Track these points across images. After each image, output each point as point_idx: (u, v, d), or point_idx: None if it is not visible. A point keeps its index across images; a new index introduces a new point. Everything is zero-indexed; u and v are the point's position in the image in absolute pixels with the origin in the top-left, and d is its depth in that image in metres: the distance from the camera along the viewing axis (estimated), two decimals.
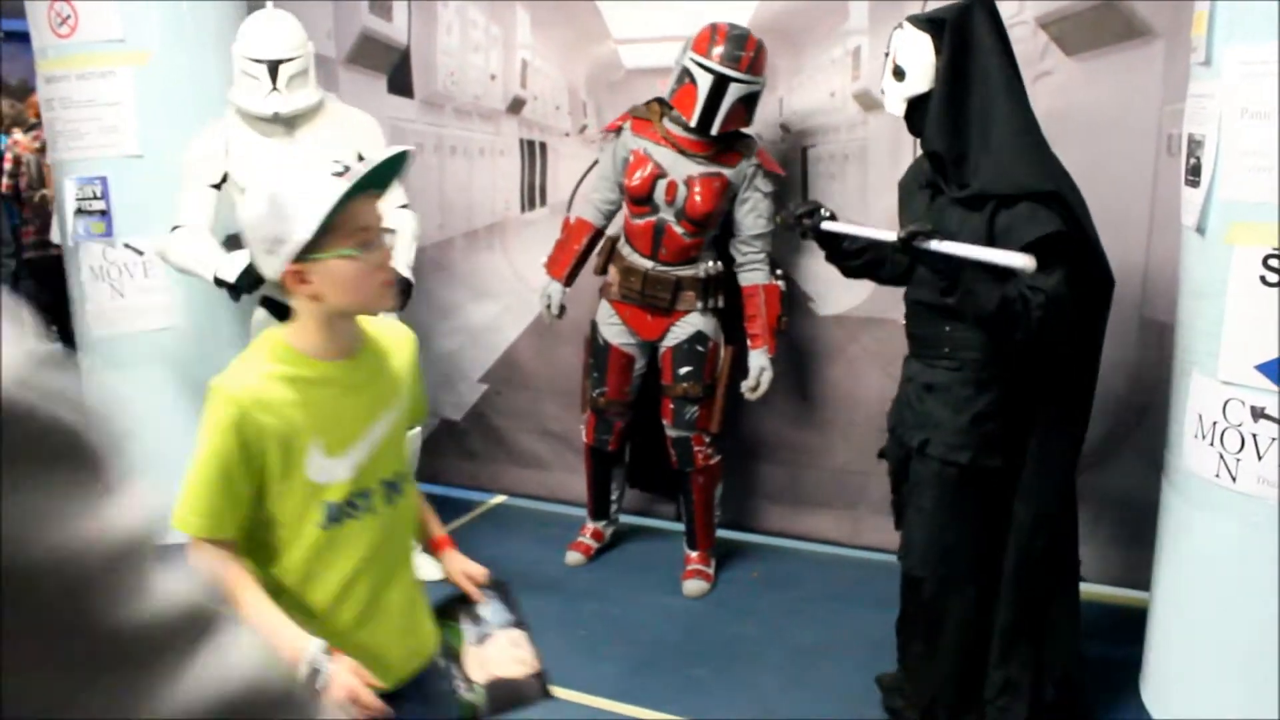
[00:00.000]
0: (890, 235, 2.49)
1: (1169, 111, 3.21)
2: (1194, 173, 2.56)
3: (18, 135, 7.55)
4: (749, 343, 3.64)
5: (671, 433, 3.75)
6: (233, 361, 1.79)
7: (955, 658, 2.76)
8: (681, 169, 3.55)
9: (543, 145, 4.36)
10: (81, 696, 0.46)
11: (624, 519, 4.31)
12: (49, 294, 5.47)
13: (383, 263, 1.68)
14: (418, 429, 3.86)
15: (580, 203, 3.96)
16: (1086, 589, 3.44)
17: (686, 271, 3.65)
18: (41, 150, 7.09)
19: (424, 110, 4.53)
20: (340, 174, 1.62)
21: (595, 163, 3.90)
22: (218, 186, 3.50)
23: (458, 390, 4.70)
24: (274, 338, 1.75)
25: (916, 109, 2.63)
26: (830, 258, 2.78)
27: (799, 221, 2.66)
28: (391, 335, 1.90)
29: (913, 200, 2.74)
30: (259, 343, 1.78)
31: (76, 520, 0.46)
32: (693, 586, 3.83)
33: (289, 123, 3.50)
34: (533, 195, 4.42)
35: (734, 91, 3.42)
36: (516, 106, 4.38)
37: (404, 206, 3.61)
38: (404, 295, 3.46)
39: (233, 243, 3.41)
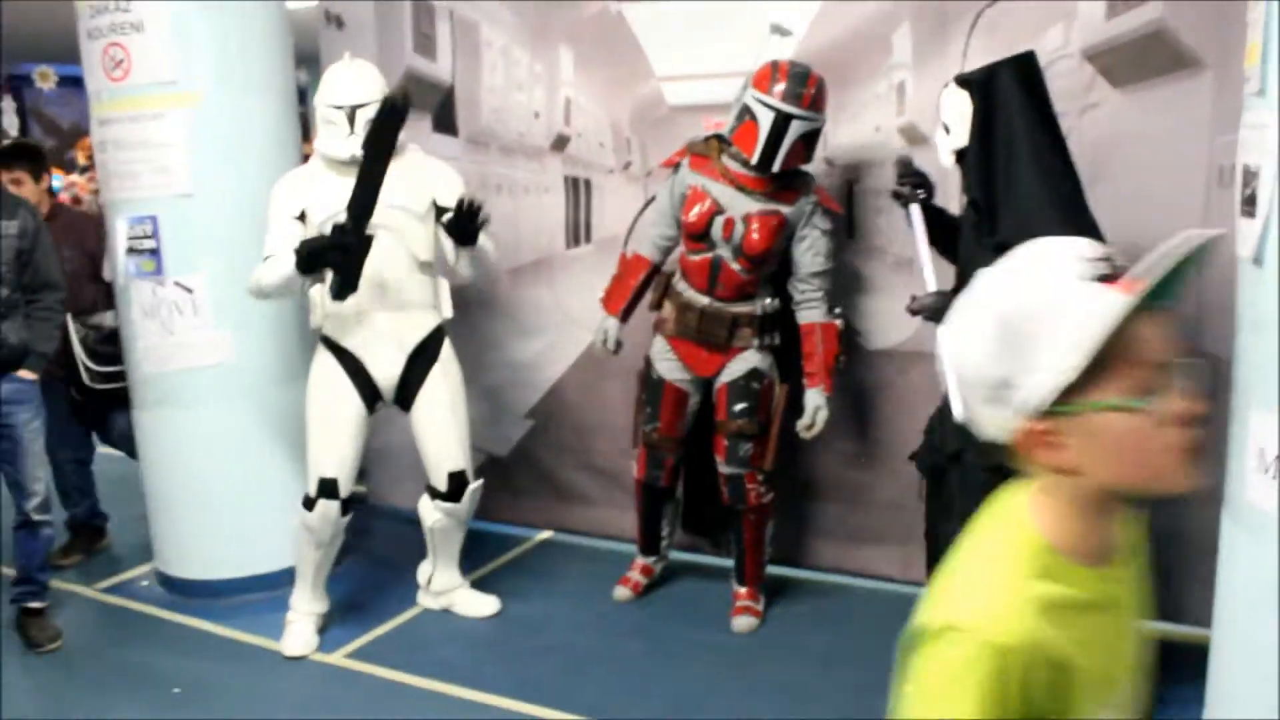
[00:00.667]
0: (931, 280, 2.90)
1: (1219, 143, 3.18)
2: (1249, 203, 2.53)
3: (74, 177, 7.86)
4: (805, 381, 3.62)
5: (725, 470, 3.72)
6: (961, 559, 1.19)
7: None
8: (739, 206, 3.54)
9: (587, 182, 4.38)
10: None
11: (673, 556, 4.30)
12: None
13: (1181, 416, 1.11)
14: (478, 483, 3.85)
15: (638, 238, 3.97)
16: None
17: (743, 308, 3.64)
18: (97, 192, 7.33)
19: (469, 148, 4.57)
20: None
21: (653, 198, 3.90)
22: (301, 219, 3.58)
23: (503, 426, 4.71)
24: (1024, 528, 1.16)
25: (962, 159, 2.89)
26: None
27: (903, 186, 2.97)
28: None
29: (968, 238, 2.88)
30: (999, 533, 1.19)
31: None
32: (743, 623, 3.80)
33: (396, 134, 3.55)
34: (578, 232, 4.44)
35: (795, 129, 3.42)
36: (561, 144, 4.41)
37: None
38: (470, 221, 3.51)
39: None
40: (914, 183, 2.96)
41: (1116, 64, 3.35)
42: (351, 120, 3.55)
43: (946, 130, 2.87)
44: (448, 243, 3.64)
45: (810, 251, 3.58)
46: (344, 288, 3.43)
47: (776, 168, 3.46)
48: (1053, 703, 1.08)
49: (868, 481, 3.97)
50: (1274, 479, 2.47)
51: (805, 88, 3.41)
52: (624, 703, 3.38)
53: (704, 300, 3.65)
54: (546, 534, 4.79)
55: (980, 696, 1.05)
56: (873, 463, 3.95)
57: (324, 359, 3.69)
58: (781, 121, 3.41)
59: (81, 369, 4.38)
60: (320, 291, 3.63)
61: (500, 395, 4.70)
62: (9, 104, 13.07)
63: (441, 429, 3.77)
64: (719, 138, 3.60)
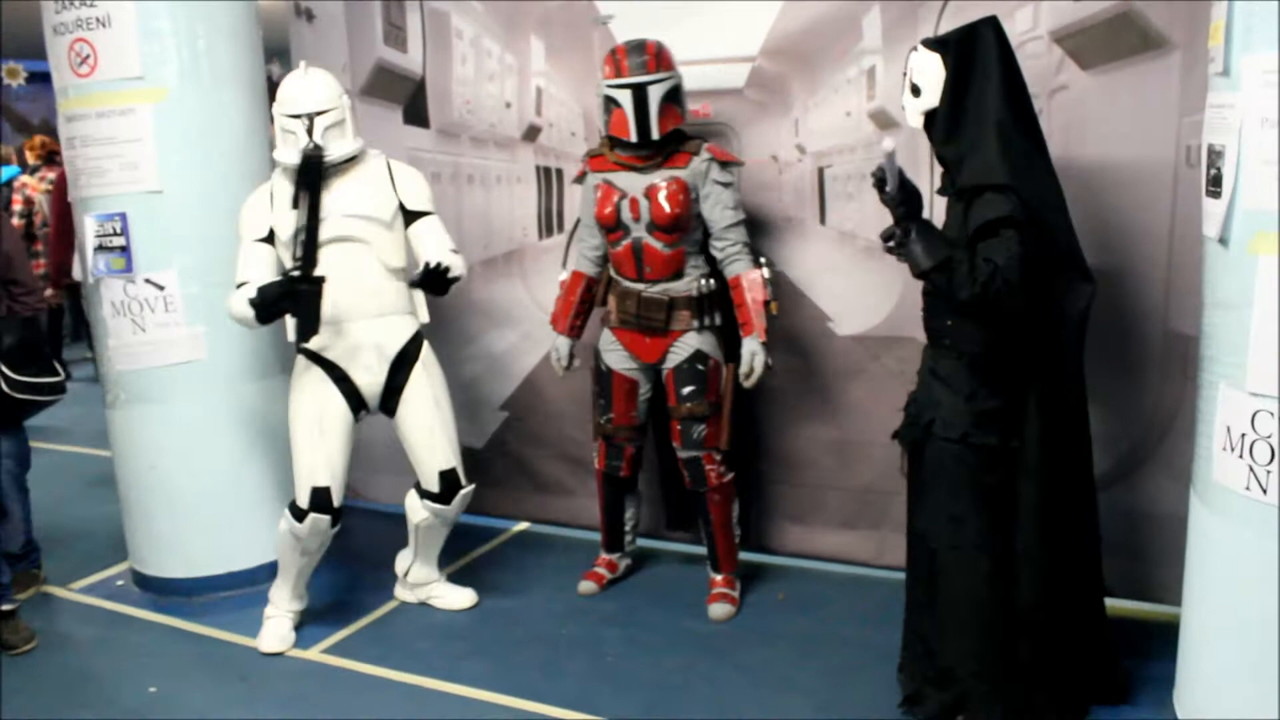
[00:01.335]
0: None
1: (1187, 123, 3.19)
2: (1215, 183, 2.54)
3: (25, 178, 7.96)
4: (740, 331, 3.65)
5: (682, 454, 3.76)
6: None
7: (972, 630, 2.92)
8: (638, 185, 3.63)
9: (559, 172, 4.37)
10: None
11: (648, 544, 4.31)
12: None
13: None
14: (470, 487, 3.84)
15: (573, 254, 4.00)
16: (1116, 604, 3.42)
17: (679, 291, 3.68)
18: (50, 191, 7.39)
19: (440, 140, 4.55)
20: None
21: (579, 220, 3.96)
22: (269, 241, 3.59)
23: (479, 418, 4.70)
24: None
25: (931, 121, 2.90)
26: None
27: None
28: None
29: (948, 206, 2.96)
30: None
31: None
32: (719, 610, 3.81)
33: (325, 174, 3.55)
34: (550, 222, 4.43)
35: (655, 93, 3.53)
36: (532, 134, 4.40)
37: (455, 251, 3.69)
38: (440, 281, 3.50)
39: None
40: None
41: (1085, 46, 3.35)
42: (310, 129, 3.52)
43: (916, 93, 2.89)
44: (419, 250, 3.66)
45: (718, 206, 3.62)
46: (305, 331, 3.46)
47: (656, 135, 3.55)
48: None
49: (841, 467, 3.98)
50: (1240, 457, 2.48)
51: (645, 55, 3.56)
52: (603, 693, 3.38)
53: (639, 286, 3.70)
54: (523, 525, 4.79)
55: None
56: (844, 449, 3.96)
57: (308, 369, 3.66)
58: (639, 93, 3.52)
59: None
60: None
61: (475, 388, 4.69)
62: None
63: (428, 427, 3.75)
64: (609, 137, 3.68)
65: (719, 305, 3.73)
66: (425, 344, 3.80)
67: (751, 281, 3.62)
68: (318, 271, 3.47)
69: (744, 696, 3.32)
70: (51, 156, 7.90)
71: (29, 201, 7.95)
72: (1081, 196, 3.04)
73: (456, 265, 3.61)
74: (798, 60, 3.84)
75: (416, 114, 4.58)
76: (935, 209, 3.12)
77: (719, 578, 3.89)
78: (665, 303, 3.67)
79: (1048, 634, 2.93)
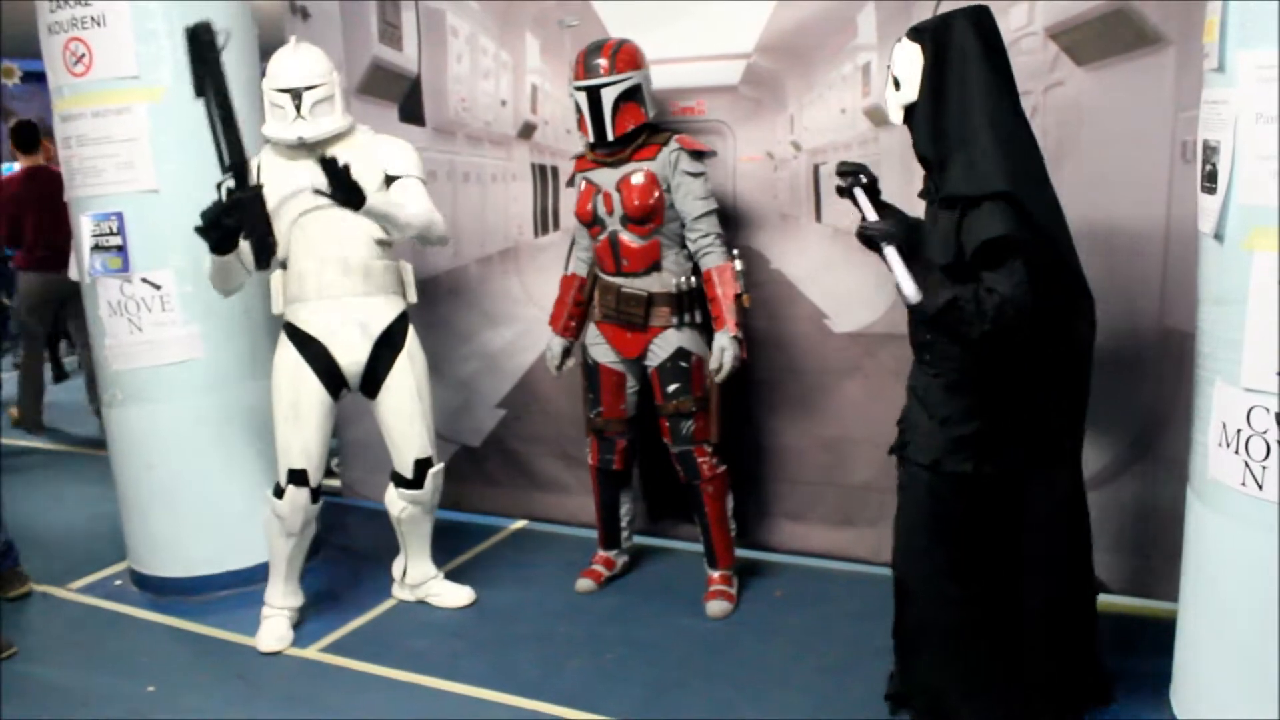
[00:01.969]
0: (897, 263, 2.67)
1: (1183, 119, 3.20)
2: (1210, 179, 2.54)
3: None
4: (713, 324, 3.65)
5: (674, 449, 3.78)
6: None
7: (951, 655, 2.82)
8: (609, 179, 3.68)
9: (554, 169, 4.37)
10: None
11: (645, 541, 4.31)
12: None
13: None
14: (440, 465, 3.86)
15: (571, 257, 4.01)
16: (1113, 600, 3.43)
17: (657, 287, 3.69)
18: None
19: (436, 138, 4.55)
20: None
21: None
22: None
23: (475, 416, 4.70)
24: None
25: (911, 116, 2.73)
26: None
27: (843, 177, 2.80)
28: None
29: (927, 211, 2.80)
30: None
31: None
32: (716, 607, 3.82)
33: (313, 149, 3.56)
34: (545, 220, 4.43)
35: (608, 95, 3.57)
36: (528, 132, 4.40)
37: (432, 212, 3.65)
38: (337, 176, 3.28)
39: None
40: (849, 170, 2.81)
41: (1080, 41, 3.36)
42: (298, 104, 3.54)
43: (897, 86, 2.72)
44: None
45: (689, 197, 3.64)
46: (260, 251, 3.35)
47: (611, 136, 3.61)
48: None
49: (838, 464, 3.98)
50: (1236, 453, 2.49)
51: (600, 58, 3.60)
52: (601, 690, 3.38)
53: (619, 281, 3.73)
54: (520, 523, 4.79)
55: None
56: (842, 446, 3.96)
57: (285, 350, 3.67)
58: (594, 96, 3.58)
59: None
60: (280, 276, 3.65)
61: (471, 385, 4.69)
62: None
63: (408, 417, 3.77)
64: None
65: (700, 302, 3.73)
66: (411, 329, 3.79)
67: (723, 274, 3.62)
68: (300, 233, 3.44)
69: (742, 693, 3.32)
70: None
71: None
72: (1076, 193, 3.04)
73: (426, 216, 3.60)
74: (792, 57, 3.84)
75: (412, 112, 4.58)
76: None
77: (716, 575, 3.90)
78: (644, 298, 3.69)
79: (1033, 656, 2.83)
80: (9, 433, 6.31)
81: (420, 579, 4.02)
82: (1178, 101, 3.21)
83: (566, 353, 4.00)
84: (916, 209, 2.92)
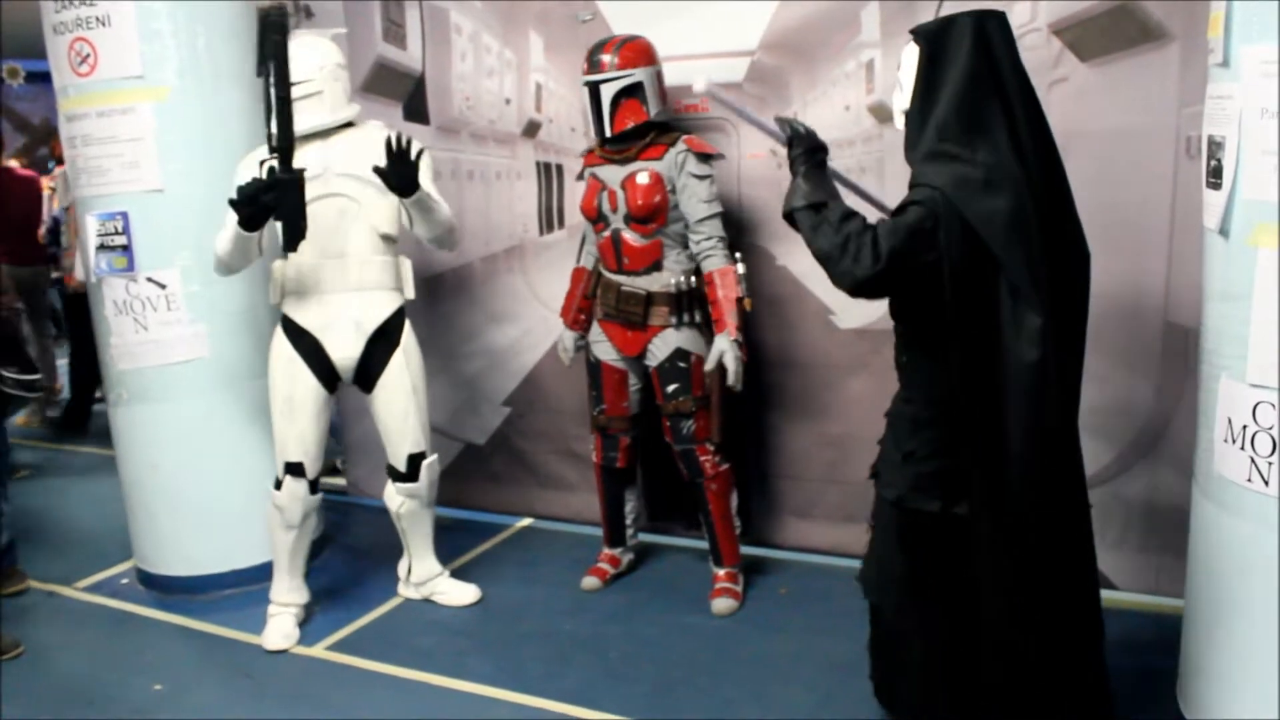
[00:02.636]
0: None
1: (1187, 114, 3.19)
2: (1215, 175, 2.54)
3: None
4: (714, 328, 3.64)
5: (676, 448, 3.79)
6: None
7: (930, 673, 2.68)
8: (615, 176, 3.68)
9: (559, 168, 4.38)
10: None
11: (651, 539, 4.31)
12: None
13: None
14: (434, 457, 3.88)
15: (582, 251, 4.00)
16: (1119, 597, 3.43)
17: (657, 286, 3.69)
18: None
19: (440, 136, 4.55)
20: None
21: None
22: None
23: (480, 414, 4.71)
24: None
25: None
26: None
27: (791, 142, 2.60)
28: None
29: None
30: None
31: None
32: (722, 605, 3.82)
33: (324, 139, 3.62)
34: (550, 218, 4.43)
35: (607, 92, 3.59)
36: (532, 130, 4.40)
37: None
38: (405, 162, 3.33)
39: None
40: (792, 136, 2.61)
41: (1084, 37, 3.35)
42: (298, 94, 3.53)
43: (901, 89, 2.53)
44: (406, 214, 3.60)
45: (693, 199, 3.63)
46: (291, 233, 3.36)
47: (609, 132, 3.62)
48: None
49: (843, 461, 3.98)
50: (1242, 449, 2.48)
51: (601, 54, 3.62)
52: (606, 687, 3.38)
53: (619, 278, 3.74)
54: (526, 521, 4.79)
55: None
56: (846, 442, 3.96)
57: (280, 343, 3.69)
58: (594, 91, 3.61)
59: None
60: (281, 269, 3.66)
61: (477, 383, 4.69)
62: None
63: (402, 413, 3.78)
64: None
65: (699, 303, 3.73)
66: (408, 324, 3.80)
67: (724, 277, 3.61)
68: (310, 222, 3.44)
69: (747, 691, 3.32)
70: None
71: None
72: (1080, 189, 3.01)
73: (452, 220, 3.65)
74: (796, 54, 3.84)
75: (416, 110, 4.58)
76: None
77: (721, 572, 3.90)
78: (643, 297, 3.69)
79: (1023, 692, 2.56)
80: (15, 431, 6.31)
81: (425, 577, 4.03)
82: (1182, 97, 3.21)
83: (579, 345, 4.00)
84: None
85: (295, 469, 3.70)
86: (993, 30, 2.41)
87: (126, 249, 4.00)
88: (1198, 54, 2.96)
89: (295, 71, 3.49)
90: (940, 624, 2.60)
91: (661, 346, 3.73)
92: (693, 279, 3.72)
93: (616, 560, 4.15)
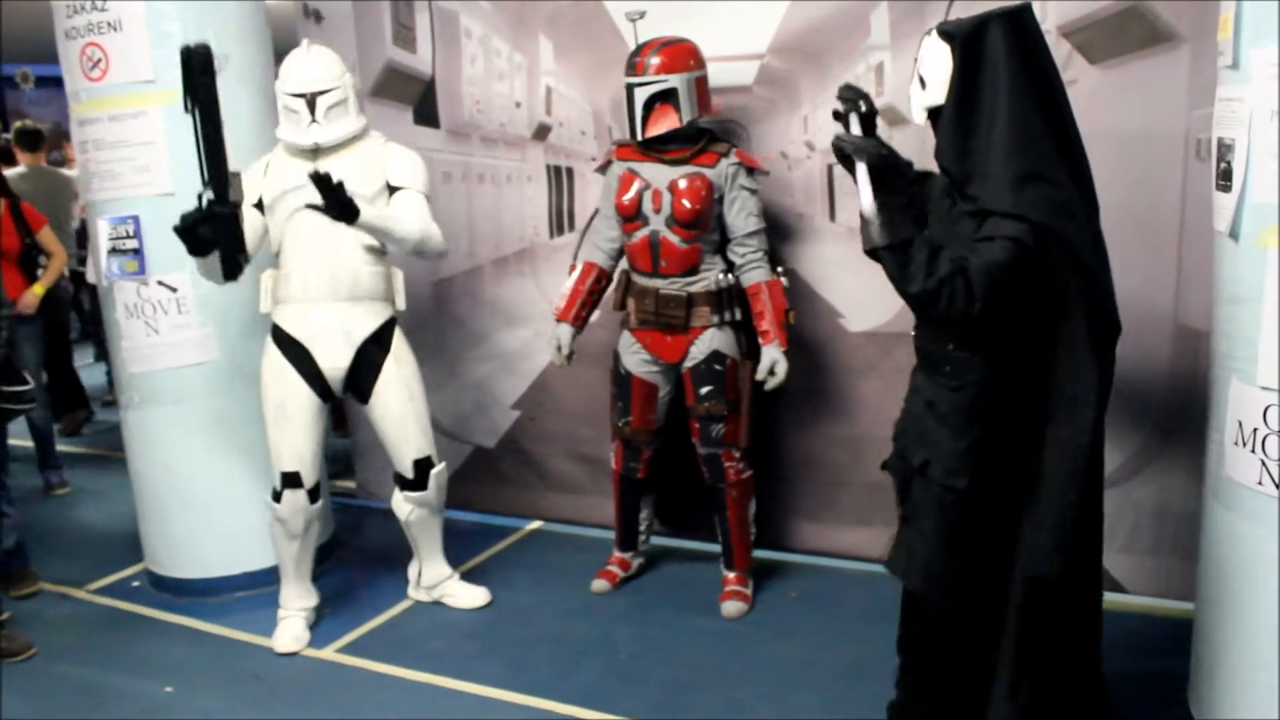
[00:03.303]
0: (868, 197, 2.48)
1: (1196, 117, 3.19)
2: (1225, 177, 2.53)
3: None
4: (760, 340, 3.64)
5: (702, 450, 3.77)
6: None
7: (960, 677, 2.74)
8: (663, 176, 3.63)
9: (569, 170, 4.38)
10: None
11: (661, 541, 4.31)
12: None
13: None
14: (442, 465, 3.87)
15: (586, 246, 3.97)
16: (1129, 600, 3.42)
17: (697, 286, 3.67)
18: None
19: (450, 140, 4.56)
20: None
21: (596, 210, 3.94)
22: (259, 207, 3.62)
23: (490, 417, 4.71)
24: None
25: (936, 118, 2.56)
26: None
27: (843, 102, 2.70)
28: None
29: (939, 206, 2.65)
30: None
31: None
32: (731, 608, 3.82)
33: (313, 152, 3.61)
34: (561, 220, 4.44)
35: (640, 95, 3.56)
36: (542, 133, 4.40)
37: (429, 225, 3.66)
38: (328, 189, 3.30)
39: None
40: (850, 96, 2.70)
41: (1093, 40, 3.35)
42: (312, 108, 3.56)
43: (923, 84, 2.53)
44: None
45: (742, 213, 3.62)
46: (229, 266, 3.38)
47: (640, 136, 3.59)
48: None
49: (854, 464, 3.98)
50: (1252, 452, 2.48)
51: (638, 57, 3.58)
52: (616, 690, 3.38)
53: (656, 282, 3.69)
54: (535, 524, 4.79)
55: None
56: (857, 445, 3.95)
57: (270, 352, 3.69)
58: (630, 94, 3.59)
59: None
60: (271, 277, 3.67)
61: (487, 386, 4.70)
62: None
63: (400, 418, 3.76)
64: None
65: (739, 300, 3.71)
66: (398, 333, 3.80)
67: (773, 289, 3.61)
68: (292, 231, 3.48)
69: (756, 694, 3.32)
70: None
71: None
72: None
73: (422, 232, 3.59)
74: (806, 57, 3.84)
75: (426, 114, 4.59)
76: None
77: (732, 575, 3.90)
78: (684, 299, 3.66)
79: (1040, 674, 2.67)
80: (22, 434, 6.33)
81: (435, 580, 4.03)
82: (1191, 99, 3.21)
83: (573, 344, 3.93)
84: None
85: (292, 479, 3.68)
86: (1030, 31, 2.45)
87: (138, 252, 4.02)
88: (1207, 56, 2.96)
89: (323, 79, 3.53)
90: (978, 628, 2.66)
91: (700, 348, 3.70)
92: (730, 276, 3.69)
93: (627, 563, 4.15)
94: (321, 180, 3.27)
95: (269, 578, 4.10)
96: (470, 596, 4.03)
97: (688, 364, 3.72)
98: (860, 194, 2.48)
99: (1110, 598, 2.92)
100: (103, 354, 6.84)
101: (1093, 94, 3.35)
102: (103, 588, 4.44)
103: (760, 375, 3.63)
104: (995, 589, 2.64)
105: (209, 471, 4.14)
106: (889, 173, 2.62)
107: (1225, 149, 2.52)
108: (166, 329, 4.04)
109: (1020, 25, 2.44)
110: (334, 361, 3.68)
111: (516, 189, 4.51)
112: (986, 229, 2.39)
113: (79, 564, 4.66)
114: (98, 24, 3.90)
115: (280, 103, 3.63)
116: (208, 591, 4.19)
